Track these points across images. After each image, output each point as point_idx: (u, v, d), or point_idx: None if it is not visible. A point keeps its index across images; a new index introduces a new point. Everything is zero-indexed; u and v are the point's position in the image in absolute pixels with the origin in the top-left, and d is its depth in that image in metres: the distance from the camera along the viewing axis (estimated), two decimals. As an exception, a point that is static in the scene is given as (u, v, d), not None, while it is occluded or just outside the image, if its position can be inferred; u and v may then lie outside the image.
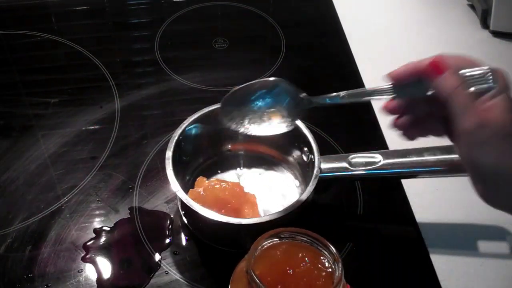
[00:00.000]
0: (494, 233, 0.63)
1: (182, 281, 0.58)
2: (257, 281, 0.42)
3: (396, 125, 0.51)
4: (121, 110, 0.76)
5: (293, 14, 0.96)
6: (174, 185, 0.57)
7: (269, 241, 0.47)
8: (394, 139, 0.73)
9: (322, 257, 0.46)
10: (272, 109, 0.56)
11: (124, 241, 0.61)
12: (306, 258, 0.46)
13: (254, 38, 0.92)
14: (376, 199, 0.67)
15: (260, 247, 0.46)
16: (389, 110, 0.51)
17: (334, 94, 0.53)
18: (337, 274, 0.44)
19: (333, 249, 0.45)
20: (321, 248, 0.46)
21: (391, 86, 0.49)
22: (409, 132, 0.51)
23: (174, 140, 0.61)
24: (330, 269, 0.45)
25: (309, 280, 0.45)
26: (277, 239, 0.47)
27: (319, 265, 0.45)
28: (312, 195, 0.58)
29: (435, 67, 0.45)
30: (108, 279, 0.57)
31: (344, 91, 0.53)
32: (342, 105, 0.53)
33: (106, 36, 0.90)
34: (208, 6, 0.95)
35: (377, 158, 0.60)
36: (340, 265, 0.44)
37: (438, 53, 0.46)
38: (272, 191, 0.65)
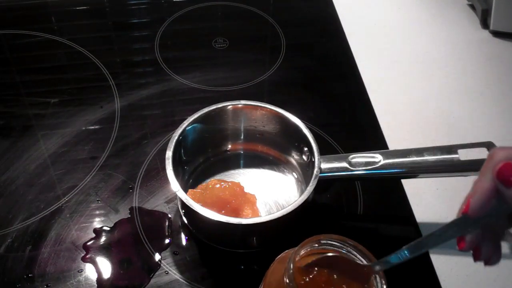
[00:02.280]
0: (494, 233, 0.63)
1: (182, 281, 0.58)
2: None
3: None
4: (121, 110, 0.76)
5: (293, 14, 0.96)
6: (174, 185, 0.57)
7: (313, 246, 0.44)
8: (394, 139, 0.73)
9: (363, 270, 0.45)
10: None
11: (124, 241, 0.61)
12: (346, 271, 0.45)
13: (254, 38, 0.92)
14: (376, 199, 0.67)
15: (304, 250, 0.44)
16: (468, 248, 0.42)
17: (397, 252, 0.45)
18: None
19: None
20: (365, 261, 0.45)
21: (463, 221, 0.41)
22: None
23: (174, 140, 0.61)
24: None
25: None
26: (317, 245, 0.45)
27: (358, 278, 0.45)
28: (312, 195, 0.58)
29: (506, 179, 0.37)
30: (108, 279, 0.57)
31: (407, 246, 0.44)
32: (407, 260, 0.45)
33: (106, 36, 0.90)
34: (208, 6, 0.95)
35: (377, 158, 0.60)
36: (384, 281, 0.44)
37: (495, 156, 0.38)
38: (272, 191, 0.65)
